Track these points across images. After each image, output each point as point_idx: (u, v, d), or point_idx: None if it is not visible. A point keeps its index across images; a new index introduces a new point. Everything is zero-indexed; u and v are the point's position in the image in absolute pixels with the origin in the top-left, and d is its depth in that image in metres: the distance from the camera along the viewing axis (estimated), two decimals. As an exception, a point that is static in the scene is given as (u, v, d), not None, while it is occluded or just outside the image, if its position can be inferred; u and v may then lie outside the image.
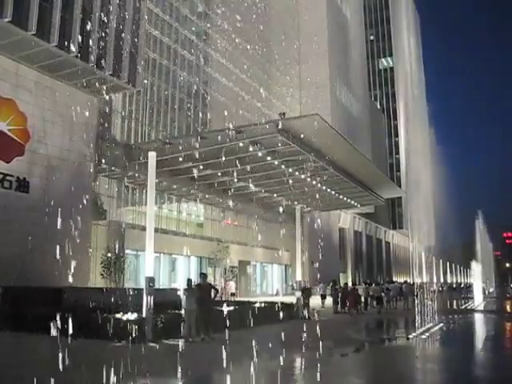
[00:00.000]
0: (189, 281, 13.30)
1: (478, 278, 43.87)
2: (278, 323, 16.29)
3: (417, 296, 21.31)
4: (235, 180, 33.25)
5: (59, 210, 23.45)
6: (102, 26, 24.47)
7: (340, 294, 24.89)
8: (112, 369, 8.31)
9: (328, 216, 55.82)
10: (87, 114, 25.53)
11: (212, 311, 13.58)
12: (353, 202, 45.47)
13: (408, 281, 45.70)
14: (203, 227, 40.25)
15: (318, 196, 39.50)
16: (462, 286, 73.09)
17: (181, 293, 12.99)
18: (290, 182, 35.40)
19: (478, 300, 38.56)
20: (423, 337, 14.91)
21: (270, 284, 48.86)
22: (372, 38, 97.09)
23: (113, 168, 29.32)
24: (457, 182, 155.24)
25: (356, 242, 69.90)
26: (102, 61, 24.21)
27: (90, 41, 23.80)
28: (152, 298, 12.21)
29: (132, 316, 12.70)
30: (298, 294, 21.80)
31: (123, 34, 25.79)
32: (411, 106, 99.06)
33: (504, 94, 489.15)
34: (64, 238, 23.59)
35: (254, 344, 10.52)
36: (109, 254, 27.29)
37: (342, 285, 30.39)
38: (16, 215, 22.11)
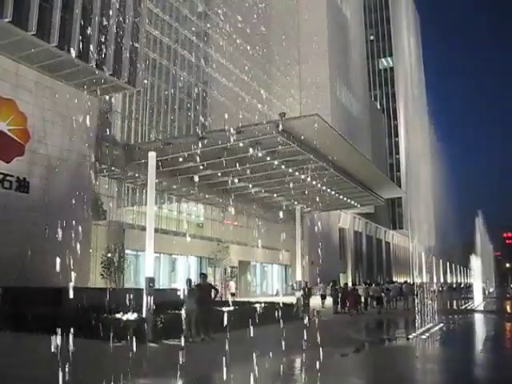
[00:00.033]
0: (189, 281, 13.30)
1: (477, 277, 43.84)
2: (278, 323, 16.27)
3: (417, 296, 21.32)
4: (235, 180, 33.25)
5: (59, 210, 23.52)
6: (102, 26, 24.46)
7: (340, 295, 24.89)
8: (112, 369, 8.31)
9: (328, 216, 55.82)
10: (87, 114, 25.54)
11: (212, 311, 13.57)
12: (353, 202, 45.48)
13: (408, 281, 45.72)
14: (203, 227, 40.26)
15: (318, 196, 39.50)
16: (462, 286, 73.14)
17: (181, 293, 12.98)
18: (290, 182, 35.41)
19: (477, 300, 38.56)
20: (423, 337, 14.91)
21: (270, 284, 48.85)
22: (372, 38, 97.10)
23: (113, 168, 29.32)
24: (457, 181, 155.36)
25: (356, 242, 69.90)
26: (102, 61, 24.21)
27: (90, 41, 23.80)
28: (152, 298, 12.21)
29: (132, 316, 12.69)
30: (298, 294, 21.80)
31: (123, 34, 25.79)
32: (411, 105, 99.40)
33: (504, 94, 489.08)
34: (64, 238, 23.59)
35: (254, 344, 10.52)
36: (109, 254, 27.28)
37: (341, 285, 30.40)
38: (16, 215, 22.11)
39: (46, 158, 23.99)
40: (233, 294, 31.43)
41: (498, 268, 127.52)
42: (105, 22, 24.62)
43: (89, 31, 23.78)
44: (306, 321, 19.10)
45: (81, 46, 23.14)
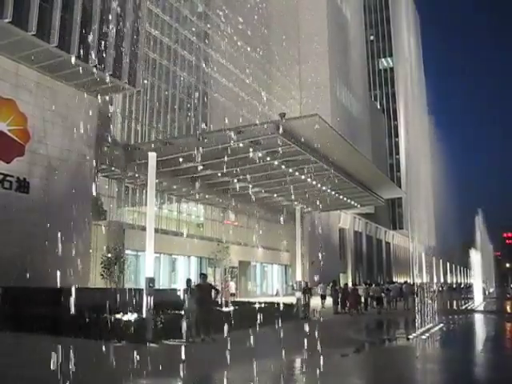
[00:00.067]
0: (188, 281, 13.30)
1: (477, 278, 43.80)
2: (278, 324, 16.28)
3: (417, 296, 21.32)
4: (235, 180, 33.26)
5: (59, 210, 23.52)
6: (102, 27, 24.45)
7: (340, 295, 24.89)
8: (112, 369, 8.31)
9: (328, 216, 55.82)
10: (87, 114, 25.53)
11: (212, 312, 13.57)
12: (353, 203, 45.49)
13: (408, 281, 45.69)
14: (203, 227, 40.27)
15: (318, 196, 39.53)
16: (462, 286, 73.08)
17: (181, 293, 12.98)
18: (290, 182, 35.43)
19: (478, 300, 38.53)
20: (423, 337, 14.91)
21: (270, 284, 48.85)
22: (372, 38, 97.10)
23: (113, 168, 29.33)
24: (457, 181, 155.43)
25: (356, 243, 69.89)
26: (102, 61, 24.20)
27: (90, 41, 23.78)
28: (152, 298, 12.21)
29: (132, 316, 12.69)
30: (298, 294, 21.80)
31: (123, 35, 25.78)
32: (411, 105, 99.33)
33: (504, 93, 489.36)
34: (64, 239, 23.60)
35: (254, 345, 10.52)
36: (109, 255, 27.28)
37: (341, 285, 30.40)
38: (16, 215, 22.09)
39: (46, 159, 23.99)
40: (233, 295, 31.41)
41: (498, 268, 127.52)
42: (105, 23, 24.62)
43: (89, 32, 23.78)
44: (306, 321, 19.13)
45: (81, 47, 23.14)
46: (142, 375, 8.40)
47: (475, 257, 45.78)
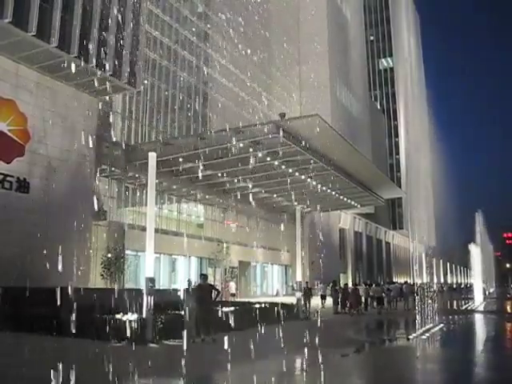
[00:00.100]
0: (189, 281, 13.30)
1: (478, 278, 43.72)
2: (279, 324, 16.28)
3: (417, 295, 21.32)
4: (235, 180, 33.26)
5: (59, 210, 23.53)
6: (102, 27, 24.46)
7: (340, 295, 24.88)
8: (112, 369, 8.30)
9: (328, 216, 55.82)
10: (87, 114, 25.55)
11: (212, 312, 13.57)
12: (353, 203, 45.48)
13: (408, 281, 45.63)
14: (203, 228, 40.26)
15: (318, 196, 39.53)
16: (462, 286, 73.12)
17: (182, 293, 12.99)
18: (291, 182, 35.42)
19: (478, 300, 38.51)
20: (423, 337, 14.91)
21: (270, 284, 48.85)
22: (372, 38, 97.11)
23: (113, 168, 29.33)
24: (457, 181, 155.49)
25: (356, 243, 69.88)
26: (102, 61, 24.20)
27: (90, 41, 23.79)
28: (152, 298, 12.21)
29: (132, 316, 12.69)
30: (298, 294, 21.80)
31: (123, 35, 25.78)
32: (411, 106, 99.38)
33: (504, 93, 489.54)
34: (64, 239, 23.61)
35: (254, 345, 10.52)
36: (109, 255, 27.29)
37: (341, 285, 30.39)
38: (16, 216, 22.10)
39: (46, 159, 23.99)
40: (233, 295, 31.43)
41: (499, 268, 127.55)
42: (105, 23, 24.63)
43: (89, 32, 23.79)
44: (306, 321, 19.13)
45: (81, 47, 23.15)
46: (141, 375, 8.39)
47: (475, 251, 45.11)
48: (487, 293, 57.19)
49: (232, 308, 16.66)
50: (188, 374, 8.46)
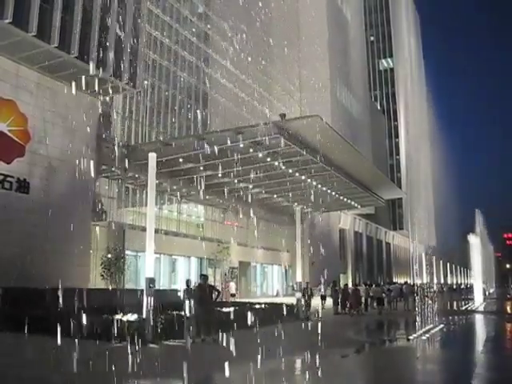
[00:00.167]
0: (189, 282, 13.29)
1: (478, 278, 43.57)
2: (279, 324, 16.28)
3: (417, 295, 21.34)
4: (235, 181, 33.25)
5: (59, 210, 23.53)
6: (102, 27, 24.47)
7: (340, 295, 24.88)
8: (112, 370, 8.31)
9: (328, 217, 55.82)
10: (87, 114, 25.53)
11: (213, 312, 13.57)
12: (353, 203, 45.47)
13: (408, 282, 45.56)
14: (203, 228, 40.26)
15: (318, 197, 39.52)
16: (463, 286, 73.11)
17: (182, 294, 12.99)
18: (291, 183, 35.44)
19: (478, 301, 38.49)
20: (424, 338, 14.91)
21: (271, 285, 48.85)
22: (372, 38, 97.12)
23: (113, 169, 29.32)
24: (457, 182, 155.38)
25: (356, 243, 69.88)
26: (103, 62, 24.21)
27: (91, 42, 23.80)
28: (152, 298, 12.21)
29: (132, 317, 12.69)
30: (299, 294, 21.80)
31: (124, 35, 25.79)
32: (411, 106, 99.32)
33: (504, 94, 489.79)
34: (64, 239, 23.62)
35: (254, 345, 10.52)
36: (109, 255, 27.28)
37: (341, 286, 30.38)
38: (16, 216, 22.10)
39: (46, 159, 23.99)
40: (233, 295, 31.42)
41: (499, 269, 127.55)
42: (105, 23, 24.64)
43: (89, 32, 23.80)
44: (306, 321, 19.12)
45: (81, 47, 23.16)
46: (142, 376, 8.39)
47: (474, 242, 44.35)
48: (487, 293, 57.17)
49: (232, 308, 16.66)
50: (188, 374, 8.46)
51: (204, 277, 14.02)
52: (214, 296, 13.02)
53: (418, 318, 19.69)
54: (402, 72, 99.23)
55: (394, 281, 61.94)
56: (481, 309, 31.18)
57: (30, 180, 23.15)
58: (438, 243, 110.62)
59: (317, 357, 10.20)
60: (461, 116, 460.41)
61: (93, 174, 26.75)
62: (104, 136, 29.04)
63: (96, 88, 25.40)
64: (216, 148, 27.61)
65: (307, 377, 9.10)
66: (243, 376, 8.89)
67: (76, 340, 10.62)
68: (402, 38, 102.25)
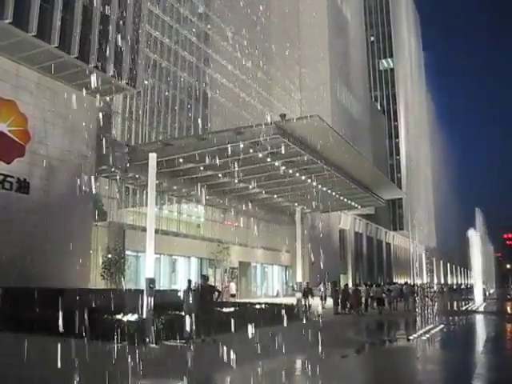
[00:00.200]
0: (189, 282, 13.29)
1: (478, 278, 43.48)
2: (279, 324, 16.28)
3: (417, 296, 21.35)
4: (235, 181, 33.25)
5: (59, 211, 23.54)
6: (102, 28, 24.46)
7: (340, 295, 24.88)
8: (112, 370, 8.30)
9: (328, 217, 55.81)
10: (88, 115, 25.53)
11: (213, 312, 13.57)
12: (353, 204, 45.46)
13: (408, 282, 45.55)
14: (203, 228, 40.26)
15: (318, 197, 39.50)
16: (463, 287, 73.11)
17: (182, 294, 12.98)
18: (291, 183, 35.43)
19: (478, 301, 38.49)
20: (424, 338, 14.91)
21: (271, 285, 48.84)
22: (372, 38, 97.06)
23: (113, 169, 29.31)
24: (457, 182, 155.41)
25: (356, 244, 69.85)
26: (103, 62, 24.20)
27: (91, 42, 23.79)
28: (152, 299, 12.21)
29: (132, 317, 12.69)
30: (299, 295, 21.80)
31: (124, 35, 25.78)
32: (411, 106, 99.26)
33: (504, 93, 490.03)
34: (64, 239, 23.61)
35: (254, 345, 10.51)
36: (109, 255, 27.28)
37: (342, 286, 30.38)
38: (16, 216, 22.09)
39: (46, 159, 23.98)
40: (233, 295, 31.40)
41: (499, 269, 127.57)
42: (105, 24, 24.63)
43: (89, 32, 23.79)
44: (306, 322, 19.12)
45: (81, 48, 23.15)
46: (142, 376, 8.39)
47: (474, 238, 43.84)
48: (487, 294, 57.13)
49: (232, 309, 16.65)
50: (188, 374, 8.46)
51: (204, 277, 14.03)
52: (214, 296, 13.02)
53: (418, 319, 19.70)
54: (402, 72, 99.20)
55: (394, 281, 61.87)
56: (481, 309, 31.16)
57: (30, 180, 23.15)
58: (438, 243, 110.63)
59: (317, 357, 10.20)
60: (461, 116, 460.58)
61: (93, 175, 26.75)
62: (104, 136, 29.04)
63: (96, 88, 25.41)
64: (216, 148, 27.62)
65: (307, 377, 9.10)
66: (243, 376, 8.89)
67: (76, 340, 10.63)
68: (402, 38, 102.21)
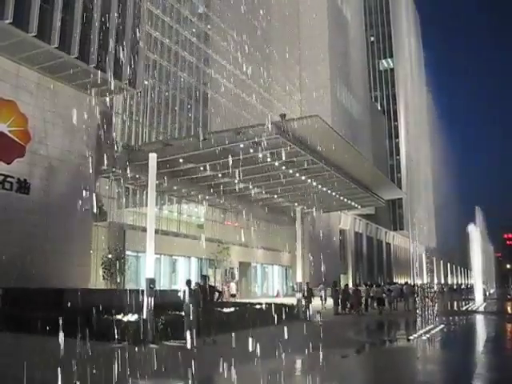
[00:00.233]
0: (189, 282, 13.28)
1: (478, 278, 43.41)
2: (279, 325, 16.28)
3: (417, 296, 21.36)
4: (236, 181, 33.23)
5: (59, 211, 23.55)
6: (102, 28, 24.48)
7: (340, 296, 24.87)
8: (112, 370, 8.30)
9: (328, 217, 55.82)
10: (88, 115, 25.53)
11: (213, 312, 13.56)
12: (353, 204, 45.44)
13: (409, 282, 45.52)
14: (204, 228, 40.24)
15: (318, 197, 39.50)
16: (463, 287, 73.10)
17: (182, 294, 12.97)
18: (291, 183, 35.40)
19: (478, 301, 38.48)
20: (424, 338, 14.91)
21: (271, 285, 48.83)
22: (372, 39, 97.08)
23: (113, 169, 29.32)
24: (457, 182, 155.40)
25: (356, 244, 69.84)
26: (103, 62, 24.21)
27: (91, 42, 23.81)
28: (152, 299, 12.21)
29: (133, 317, 12.69)
30: (299, 295, 21.79)
31: (124, 36, 25.80)
32: (411, 106, 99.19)
33: (505, 93, 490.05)
34: (64, 239, 23.63)
35: (254, 346, 10.50)
36: (109, 256, 27.29)
37: (342, 286, 30.37)
38: (16, 216, 22.11)
39: (46, 159, 24.01)
40: (233, 296, 31.38)
41: (499, 269, 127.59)
42: (105, 24, 24.64)
43: (89, 33, 23.81)
44: (306, 322, 19.12)
45: (81, 48, 23.16)
46: (141, 376, 8.39)
47: (474, 233, 43.37)
48: (487, 294, 57.14)
49: (232, 309, 16.66)
50: (188, 375, 8.45)
51: (204, 277, 14.02)
52: (215, 297, 13.02)
53: (418, 319, 19.69)
54: (402, 72, 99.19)
55: (395, 281, 61.86)
56: (481, 309, 31.16)
57: (30, 180, 23.16)
58: (438, 243, 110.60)
59: (317, 357, 10.20)
60: (461, 116, 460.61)
61: (93, 175, 26.77)
62: (104, 136, 29.04)
63: (96, 88, 25.44)
64: (216, 148, 27.61)
65: (307, 377, 9.10)
66: (243, 376, 8.88)
67: (76, 340, 10.61)
68: (402, 38, 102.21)
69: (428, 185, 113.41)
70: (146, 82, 32.92)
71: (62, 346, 9.00)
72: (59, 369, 7.62)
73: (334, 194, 39.84)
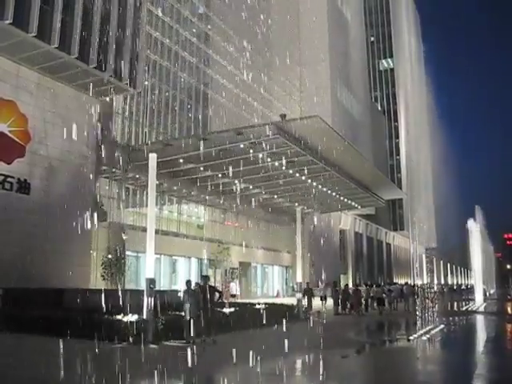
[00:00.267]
0: (188, 282, 13.29)
1: (478, 279, 43.39)
2: (279, 325, 16.28)
3: (417, 297, 21.35)
4: (236, 181, 33.24)
5: (60, 211, 23.53)
6: (102, 28, 24.47)
7: (340, 296, 24.87)
8: (112, 370, 8.31)
9: (328, 217, 55.80)
10: (88, 115, 25.54)
11: (213, 313, 13.56)
12: (353, 204, 45.44)
13: (409, 282, 45.50)
14: (204, 228, 40.25)
15: (318, 197, 39.50)
16: (463, 287, 73.04)
17: (182, 294, 12.98)
18: (291, 183, 35.41)
19: (478, 301, 38.48)
20: (424, 338, 14.91)
21: (271, 285, 48.84)
22: (372, 39, 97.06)
23: (113, 169, 29.32)
24: (457, 182, 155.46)
25: (357, 244, 69.83)
26: (103, 62, 24.21)
27: (91, 42, 23.80)
28: (153, 299, 12.21)
29: (133, 317, 12.69)
30: (299, 295, 21.79)
31: (124, 36, 25.79)
32: (412, 106, 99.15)
33: (505, 93, 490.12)
34: (64, 239, 23.62)
35: (254, 346, 10.51)
36: (109, 256, 27.26)
37: (342, 286, 30.37)
38: (17, 216, 22.10)
39: (46, 160, 24.00)
40: (233, 296, 31.39)
41: (499, 269, 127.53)
42: (105, 24, 24.64)
43: (89, 33, 23.80)
44: (306, 322, 19.13)
45: (82, 48, 23.16)
46: (142, 376, 8.40)
47: (474, 229, 42.78)
48: (488, 294, 57.12)
49: (232, 309, 16.66)
50: (188, 375, 8.46)
51: (205, 277, 14.02)
52: (215, 297, 13.02)
53: (418, 319, 19.69)
54: (403, 72, 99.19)
55: (395, 281, 61.89)
56: (481, 309, 31.17)
57: (30, 180, 23.15)
58: (439, 244, 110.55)
59: (317, 357, 10.20)
60: (461, 116, 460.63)
61: (93, 175, 26.77)
62: (104, 136, 29.03)
63: (96, 89, 25.43)
64: (216, 148, 27.62)
65: (307, 377, 9.10)
66: (243, 376, 8.88)
67: (76, 340, 10.63)
68: (402, 38, 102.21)
69: (428, 185, 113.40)
70: (146, 83, 32.91)
71: (62, 347, 9.01)
72: (59, 369, 7.63)
73: (334, 194, 39.85)
